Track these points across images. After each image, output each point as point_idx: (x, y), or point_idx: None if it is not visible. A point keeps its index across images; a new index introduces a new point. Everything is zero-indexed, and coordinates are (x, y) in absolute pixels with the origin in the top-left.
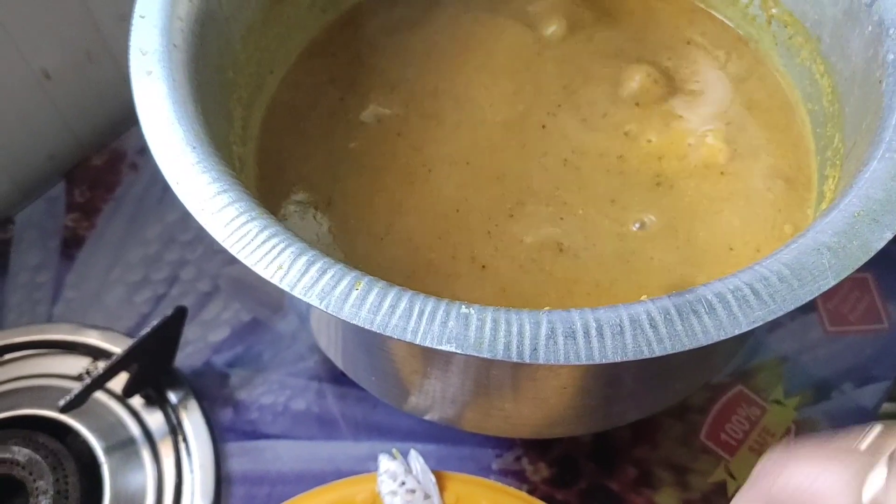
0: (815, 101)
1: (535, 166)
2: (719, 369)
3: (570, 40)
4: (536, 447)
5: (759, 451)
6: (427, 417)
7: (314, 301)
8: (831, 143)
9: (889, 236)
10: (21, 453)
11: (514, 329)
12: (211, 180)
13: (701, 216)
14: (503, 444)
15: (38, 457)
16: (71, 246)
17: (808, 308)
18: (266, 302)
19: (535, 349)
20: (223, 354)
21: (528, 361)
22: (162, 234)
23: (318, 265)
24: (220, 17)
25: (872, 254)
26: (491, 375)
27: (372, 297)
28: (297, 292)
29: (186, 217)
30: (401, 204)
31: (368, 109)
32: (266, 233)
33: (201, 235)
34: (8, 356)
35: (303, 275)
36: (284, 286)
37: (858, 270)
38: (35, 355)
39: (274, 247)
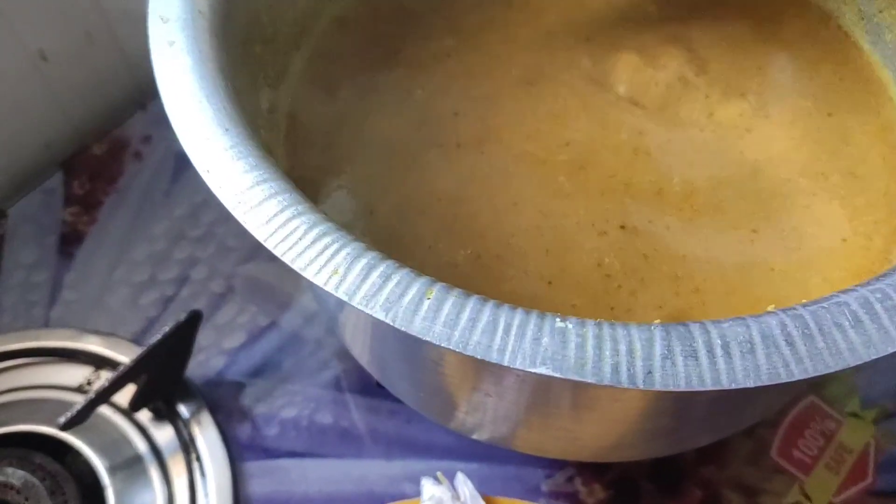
0: None
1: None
2: (806, 387)
3: None
4: (591, 467)
5: (836, 470)
6: (475, 437)
7: (378, 313)
8: None
9: None
10: (16, 476)
11: (623, 348)
12: (248, 168)
13: (799, 213)
14: (553, 463)
15: (34, 479)
16: (70, 242)
17: None
18: (286, 304)
19: (650, 372)
20: (239, 363)
21: (641, 387)
22: (170, 230)
23: (379, 269)
24: None
25: None
26: (561, 393)
27: (447, 308)
28: (356, 302)
29: (196, 211)
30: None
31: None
32: (316, 231)
33: (213, 231)
34: (0, 365)
35: (363, 281)
36: (342, 295)
37: None
38: (30, 364)
39: (326, 247)
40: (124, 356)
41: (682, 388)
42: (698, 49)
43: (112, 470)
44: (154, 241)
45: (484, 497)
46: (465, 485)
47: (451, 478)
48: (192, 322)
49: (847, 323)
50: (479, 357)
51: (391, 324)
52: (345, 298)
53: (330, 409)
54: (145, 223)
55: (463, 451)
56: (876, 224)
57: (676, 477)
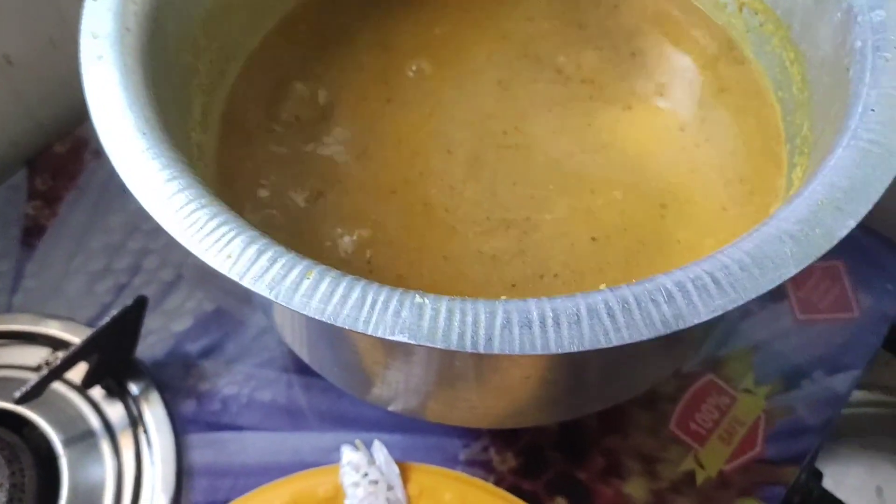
0: (786, 88)
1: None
2: (686, 358)
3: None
4: (503, 437)
5: (728, 441)
6: (391, 408)
7: (263, 291)
8: (800, 131)
9: (852, 225)
10: None
11: (469, 318)
12: (161, 167)
13: (671, 204)
14: (470, 434)
15: None
16: (32, 234)
17: (779, 296)
18: (231, 291)
19: (490, 339)
20: (186, 345)
21: (482, 352)
22: (125, 223)
23: (268, 254)
24: (177, 0)
25: (835, 242)
26: (454, 366)
27: (323, 286)
28: (245, 282)
29: None
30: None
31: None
32: (216, 220)
33: None
34: None
35: (252, 264)
36: (233, 275)
37: (829, 259)
38: None
39: (224, 235)
40: (80, 339)
41: (517, 352)
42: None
43: (66, 442)
44: (110, 232)
45: (399, 464)
46: (380, 451)
47: (371, 446)
48: (139, 306)
49: (662, 299)
50: (347, 328)
51: (275, 300)
52: (236, 279)
53: (269, 387)
54: (102, 216)
55: (388, 423)
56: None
57: (581, 446)
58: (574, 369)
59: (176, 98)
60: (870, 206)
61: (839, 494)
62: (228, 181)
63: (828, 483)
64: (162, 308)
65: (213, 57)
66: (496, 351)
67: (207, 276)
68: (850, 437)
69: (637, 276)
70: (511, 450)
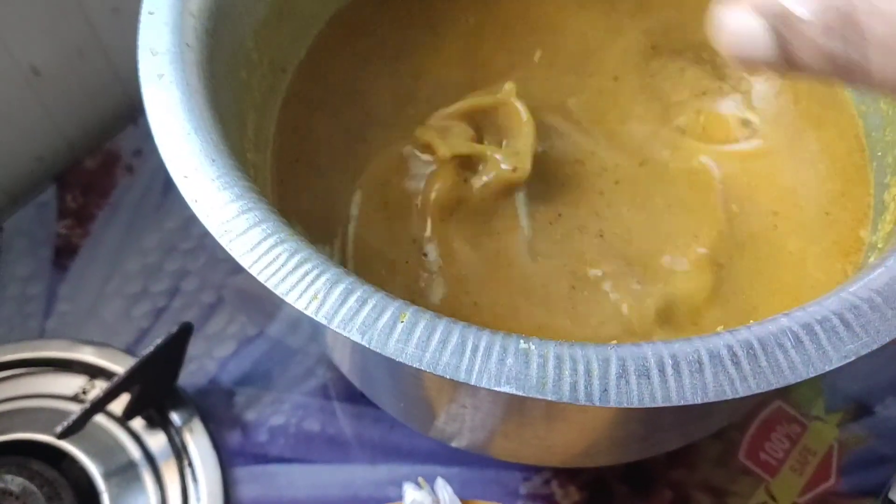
0: (870, 103)
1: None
2: (772, 394)
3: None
4: (566, 470)
5: (801, 472)
6: (454, 444)
7: (355, 336)
8: (893, 148)
9: None
10: (14, 482)
11: (581, 368)
12: (234, 197)
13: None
14: (531, 467)
15: (33, 486)
16: (64, 255)
17: None
18: (274, 314)
19: (606, 390)
20: (230, 371)
21: (597, 405)
22: (162, 243)
23: (356, 294)
24: (234, 12)
25: None
26: (533, 405)
27: (419, 330)
28: (335, 325)
29: (187, 224)
30: None
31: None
32: (297, 257)
33: (204, 244)
34: None
35: (341, 305)
36: (321, 318)
37: None
38: (27, 374)
39: (307, 273)
40: (118, 366)
41: (636, 405)
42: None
43: (107, 476)
44: (146, 253)
45: (463, 501)
46: (444, 489)
47: (431, 482)
48: (184, 334)
49: (789, 343)
50: (448, 377)
51: (367, 346)
52: (324, 322)
53: (317, 417)
54: (137, 236)
55: (444, 456)
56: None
57: (648, 479)
58: (660, 409)
59: (232, 117)
60: None
61: None
62: (285, 201)
63: None
64: (203, 333)
65: (265, 71)
66: (612, 404)
67: (250, 299)
68: None
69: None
70: (574, 483)
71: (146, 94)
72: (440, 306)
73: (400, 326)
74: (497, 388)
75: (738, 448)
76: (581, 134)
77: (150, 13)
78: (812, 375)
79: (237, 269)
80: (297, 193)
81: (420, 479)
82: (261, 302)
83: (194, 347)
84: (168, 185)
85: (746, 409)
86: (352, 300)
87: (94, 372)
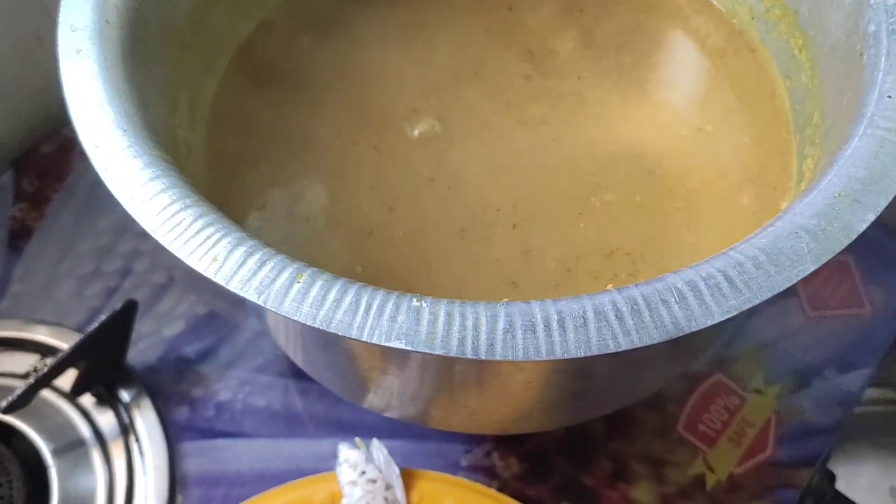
0: (794, 76)
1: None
2: (695, 360)
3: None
4: (507, 442)
5: (738, 443)
6: (388, 415)
7: (251, 296)
8: (810, 120)
9: (871, 218)
10: None
11: (469, 323)
12: (143, 165)
13: (665, 191)
14: (472, 439)
15: None
16: (19, 238)
17: (788, 293)
18: (223, 294)
19: (492, 345)
20: (178, 350)
21: (483, 358)
22: (115, 225)
23: (256, 256)
24: None
25: (854, 237)
26: (453, 371)
27: (315, 290)
28: (233, 286)
29: None
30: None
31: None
32: (201, 221)
33: None
34: None
35: (240, 267)
36: (219, 280)
37: (839, 253)
38: None
39: (209, 237)
40: (69, 344)
41: (521, 358)
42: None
43: (56, 452)
44: (99, 235)
45: (401, 470)
46: (379, 450)
47: (370, 445)
48: (128, 311)
49: (673, 299)
50: (340, 334)
51: (263, 305)
52: (222, 283)
53: (263, 392)
54: (91, 218)
55: (387, 428)
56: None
57: (587, 450)
58: (579, 373)
59: (161, 93)
60: (890, 198)
61: (852, 496)
62: (219, 181)
63: (840, 485)
64: (153, 312)
65: (201, 51)
66: (498, 357)
67: (200, 279)
68: (862, 436)
69: (646, 278)
70: (515, 455)
71: (63, 69)
72: None
73: (296, 287)
74: (387, 344)
75: (677, 420)
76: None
77: None
78: (693, 329)
79: None
80: (231, 174)
81: (357, 440)
82: (210, 282)
83: (144, 326)
84: None
85: (674, 376)
86: (251, 262)
87: (45, 351)
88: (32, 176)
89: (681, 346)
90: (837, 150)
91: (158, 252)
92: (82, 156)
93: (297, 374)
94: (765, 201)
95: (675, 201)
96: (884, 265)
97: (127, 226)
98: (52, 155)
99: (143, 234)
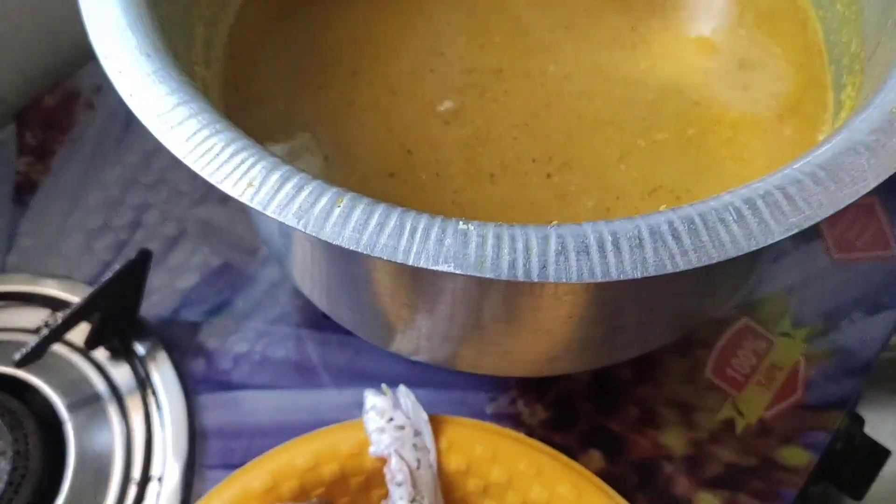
0: (827, 5)
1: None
2: (725, 301)
3: None
4: (532, 389)
5: (767, 386)
6: (416, 358)
7: (291, 221)
8: (848, 48)
9: None
10: None
11: (520, 245)
12: (169, 91)
13: (711, 123)
14: (497, 387)
15: None
16: (24, 192)
17: (813, 235)
18: (238, 245)
19: (545, 266)
20: (193, 301)
21: (536, 280)
22: (122, 177)
23: (293, 181)
24: None
25: None
26: (486, 305)
27: (357, 214)
28: (271, 211)
29: (148, 158)
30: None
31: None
32: (233, 147)
33: (165, 177)
34: None
35: (276, 192)
36: (256, 205)
37: (864, 195)
38: None
39: (242, 161)
40: (80, 298)
41: (574, 280)
42: None
43: (71, 407)
44: (107, 187)
45: (430, 417)
46: (406, 396)
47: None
48: (142, 261)
49: (731, 218)
50: (385, 258)
51: (303, 230)
52: (259, 209)
53: (282, 343)
54: (98, 171)
55: (411, 377)
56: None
57: (614, 396)
58: (616, 308)
59: (178, 29)
60: None
61: (878, 440)
62: (235, 119)
63: (866, 428)
64: (166, 264)
65: None
66: (551, 280)
67: (213, 230)
68: (889, 381)
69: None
70: (541, 402)
71: None
72: None
73: (337, 211)
74: (435, 268)
75: (704, 365)
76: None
77: None
78: (754, 248)
79: (199, 201)
80: (247, 113)
81: (383, 386)
82: (224, 233)
83: (157, 279)
84: (129, 120)
85: (704, 318)
86: (288, 186)
87: (56, 305)
88: (36, 129)
89: (716, 281)
90: (889, 70)
91: (169, 203)
92: (87, 107)
93: (315, 324)
94: (804, 132)
95: (723, 132)
96: None
97: (136, 177)
98: (55, 108)
99: (153, 186)
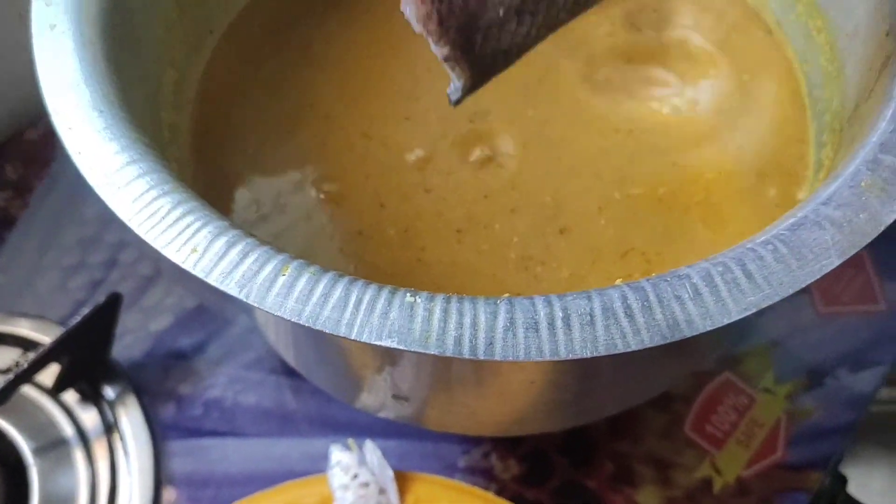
0: (812, 59)
1: None
2: (706, 358)
3: None
4: (506, 442)
5: (747, 444)
6: (382, 415)
7: (233, 290)
8: (830, 105)
9: None
10: None
11: (467, 320)
12: (119, 149)
13: (686, 184)
14: (470, 439)
15: None
16: (2, 227)
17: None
18: (213, 287)
19: (491, 344)
20: (166, 344)
21: (481, 358)
22: (101, 214)
23: (238, 247)
24: None
25: (882, 228)
26: (451, 370)
27: (301, 283)
28: (213, 280)
29: None
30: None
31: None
32: (180, 209)
33: None
34: None
35: (220, 258)
36: (198, 272)
37: None
38: None
39: (188, 226)
40: (52, 338)
41: (522, 358)
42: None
43: (37, 451)
44: (85, 224)
45: (396, 472)
46: (373, 452)
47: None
48: (112, 304)
49: (687, 295)
50: (328, 331)
51: (246, 300)
52: (201, 276)
53: (254, 390)
54: (76, 207)
55: (383, 428)
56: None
57: (589, 451)
58: (584, 373)
59: (144, 75)
60: None
61: (864, 499)
62: (204, 164)
63: (852, 488)
64: (140, 305)
65: (188, 30)
66: (498, 357)
67: (188, 271)
68: (875, 438)
69: (661, 270)
70: (513, 456)
71: (36, 45)
72: None
73: (281, 280)
74: (379, 343)
75: (684, 420)
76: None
77: None
78: (709, 328)
79: None
80: (217, 157)
81: (349, 441)
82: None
83: (131, 320)
84: None
85: (683, 375)
86: (233, 253)
87: (27, 345)
88: (17, 163)
89: (692, 344)
90: (864, 136)
91: (146, 242)
92: None
93: (289, 371)
94: (784, 192)
95: (696, 193)
96: None
97: (113, 215)
98: (36, 142)
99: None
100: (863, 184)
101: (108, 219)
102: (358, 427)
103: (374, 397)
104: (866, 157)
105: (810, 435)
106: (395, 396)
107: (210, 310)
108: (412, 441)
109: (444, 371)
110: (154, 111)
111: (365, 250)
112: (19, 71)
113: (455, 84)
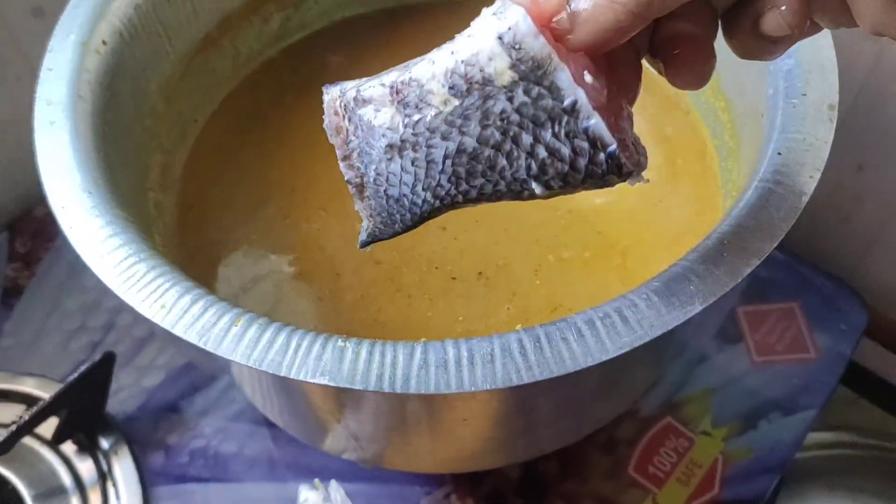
0: (719, 136)
1: None
2: (634, 397)
3: None
4: (465, 483)
5: (686, 483)
6: (346, 457)
7: (193, 338)
8: (731, 176)
9: (756, 263)
10: None
11: (388, 360)
12: (104, 224)
13: (607, 248)
14: (432, 481)
15: None
16: (11, 295)
17: (736, 339)
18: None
19: (407, 380)
20: (157, 399)
21: (398, 391)
22: (100, 283)
23: (200, 303)
24: (133, 69)
25: (739, 279)
26: (400, 412)
27: (250, 332)
28: (177, 331)
29: None
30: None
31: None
32: (153, 273)
33: None
34: None
35: (184, 312)
36: (166, 325)
37: (784, 300)
38: None
39: (159, 286)
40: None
41: (432, 391)
42: None
43: (37, 498)
44: (86, 291)
45: None
46: (337, 491)
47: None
48: (106, 362)
49: (572, 336)
50: (271, 372)
51: (204, 347)
52: (168, 328)
53: (235, 439)
54: (78, 276)
55: (351, 472)
56: None
57: (541, 491)
58: (514, 410)
59: (133, 160)
60: (774, 245)
61: None
62: (187, 235)
63: None
64: (134, 364)
65: (173, 121)
66: (412, 391)
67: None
68: (816, 478)
69: None
70: (472, 496)
71: (37, 139)
72: None
73: (234, 329)
74: (313, 381)
75: (628, 462)
76: None
77: (49, 69)
78: (591, 364)
79: None
80: (198, 230)
81: (316, 481)
82: None
83: (126, 377)
84: None
85: (615, 413)
86: (195, 308)
87: (31, 401)
88: (25, 237)
89: (614, 381)
90: (733, 201)
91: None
92: None
93: (266, 421)
94: None
95: (614, 258)
96: (829, 312)
97: None
98: (44, 218)
99: None
100: (725, 242)
101: (107, 286)
102: (330, 472)
103: (337, 440)
104: (731, 220)
105: (745, 474)
106: (354, 437)
107: (197, 367)
108: (379, 484)
109: (392, 414)
110: (142, 191)
111: (325, 313)
112: (30, 154)
113: (365, 223)
